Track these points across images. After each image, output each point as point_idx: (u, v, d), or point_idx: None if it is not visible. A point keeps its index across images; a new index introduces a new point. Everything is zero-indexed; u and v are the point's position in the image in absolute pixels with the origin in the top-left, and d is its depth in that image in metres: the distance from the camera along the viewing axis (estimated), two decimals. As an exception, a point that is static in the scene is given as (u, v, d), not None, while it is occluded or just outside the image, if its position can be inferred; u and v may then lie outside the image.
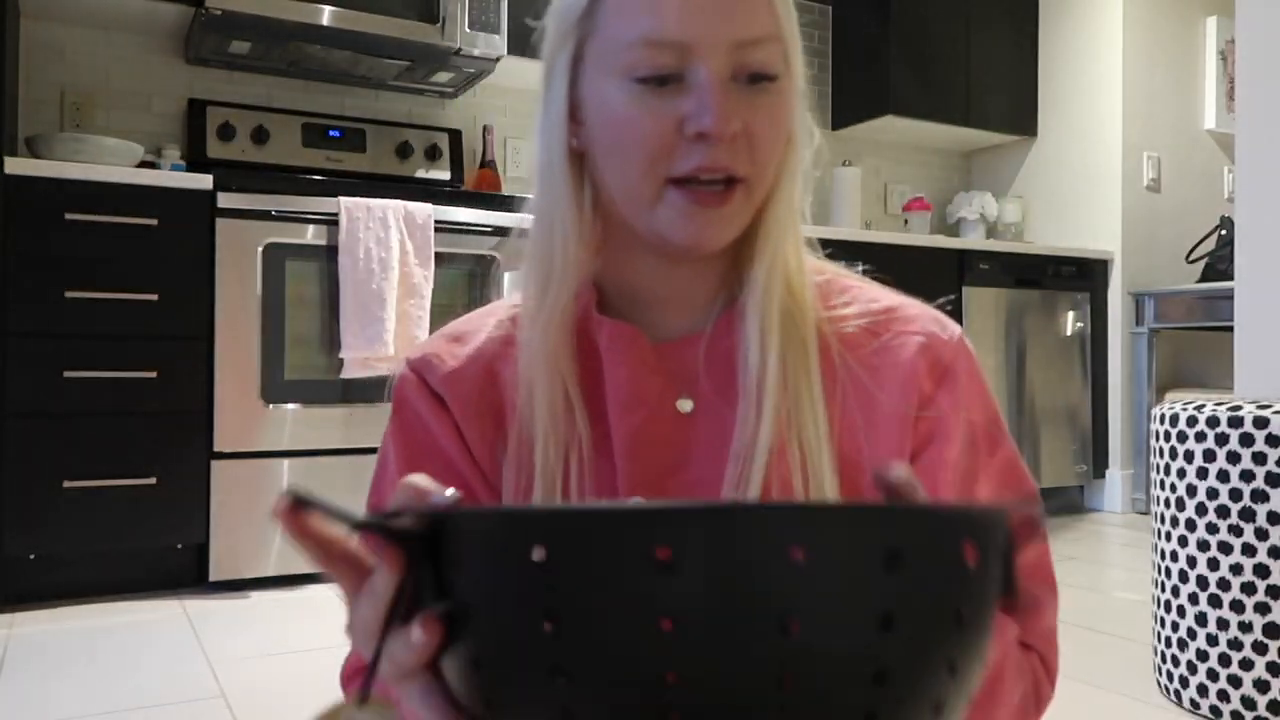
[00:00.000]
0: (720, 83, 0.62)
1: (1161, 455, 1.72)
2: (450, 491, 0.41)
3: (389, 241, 2.51)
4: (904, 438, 0.68)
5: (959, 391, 0.70)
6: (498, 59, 2.95)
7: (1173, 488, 1.68)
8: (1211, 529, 1.60)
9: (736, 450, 0.65)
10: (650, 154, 0.63)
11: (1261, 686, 1.56)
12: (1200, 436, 1.63)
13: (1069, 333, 3.77)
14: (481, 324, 0.74)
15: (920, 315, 0.72)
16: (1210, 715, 1.63)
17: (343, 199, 2.50)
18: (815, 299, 0.71)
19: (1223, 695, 1.60)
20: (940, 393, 0.69)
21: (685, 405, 0.69)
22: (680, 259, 0.69)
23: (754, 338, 0.67)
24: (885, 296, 0.73)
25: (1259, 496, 1.54)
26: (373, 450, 2.57)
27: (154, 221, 2.34)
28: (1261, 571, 1.55)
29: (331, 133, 3.04)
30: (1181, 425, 1.67)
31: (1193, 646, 1.65)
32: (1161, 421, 1.72)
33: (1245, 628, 1.57)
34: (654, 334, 0.70)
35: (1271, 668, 1.54)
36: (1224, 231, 3.63)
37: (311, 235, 2.50)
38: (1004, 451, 0.72)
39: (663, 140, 0.63)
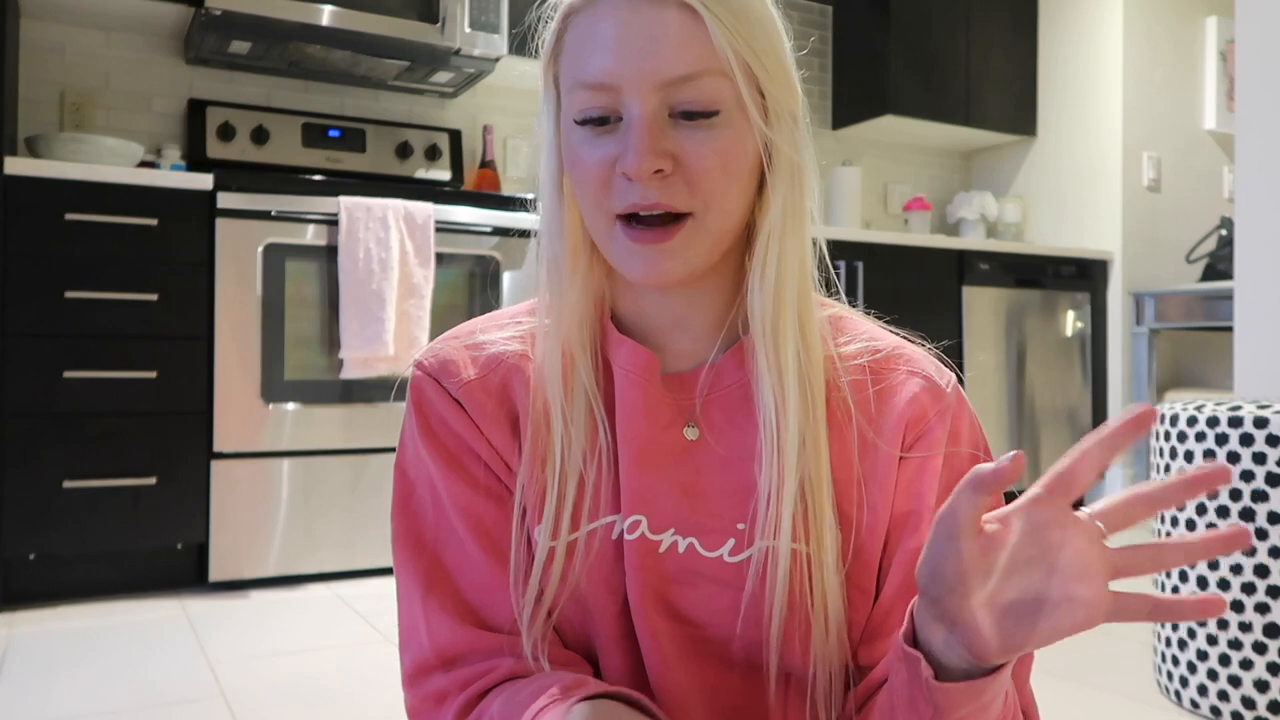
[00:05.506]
0: (649, 122, 0.63)
1: (1161, 455, 1.71)
2: None
3: (389, 241, 2.51)
4: (894, 476, 0.70)
5: (955, 426, 0.71)
6: (498, 59, 2.95)
7: (1173, 488, 1.68)
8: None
9: (762, 489, 0.67)
10: (595, 192, 0.65)
11: (1261, 686, 1.55)
12: (1200, 436, 1.63)
13: (1069, 333, 3.77)
14: (495, 334, 0.75)
15: (920, 359, 0.73)
16: (1210, 715, 1.63)
17: (343, 199, 2.50)
18: (825, 335, 0.71)
19: (1223, 695, 1.60)
20: (935, 427, 0.70)
21: (691, 433, 0.70)
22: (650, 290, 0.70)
23: (766, 376, 0.68)
24: (884, 337, 0.74)
25: (1259, 496, 1.54)
26: (373, 450, 2.57)
27: (154, 221, 2.34)
28: (1261, 571, 1.54)
29: (331, 133, 3.04)
30: (1181, 425, 1.67)
31: (1193, 646, 1.65)
32: (1161, 421, 1.72)
33: (1245, 628, 1.57)
34: (665, 360, 0.72)
35: (1271, 668, 1.54)
36: (1224, 231, 3.63)
37: (311, 235, 2.50)
38: None
39: (602, 179, 0.65)
